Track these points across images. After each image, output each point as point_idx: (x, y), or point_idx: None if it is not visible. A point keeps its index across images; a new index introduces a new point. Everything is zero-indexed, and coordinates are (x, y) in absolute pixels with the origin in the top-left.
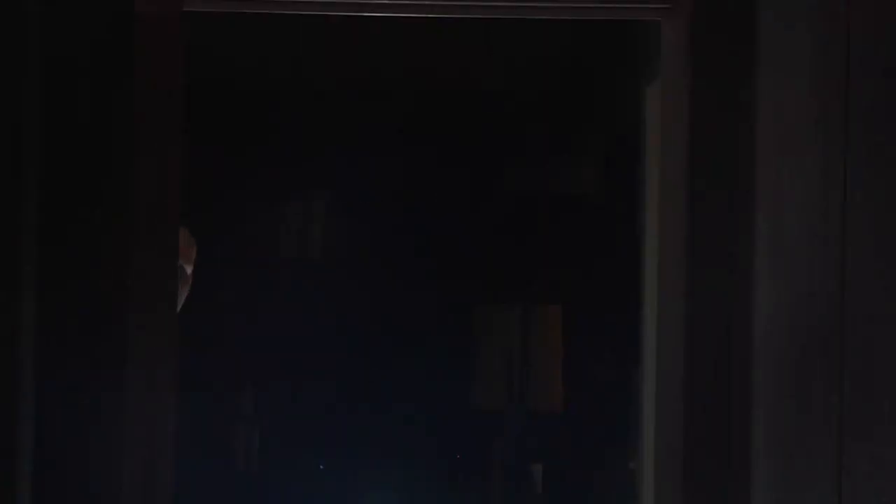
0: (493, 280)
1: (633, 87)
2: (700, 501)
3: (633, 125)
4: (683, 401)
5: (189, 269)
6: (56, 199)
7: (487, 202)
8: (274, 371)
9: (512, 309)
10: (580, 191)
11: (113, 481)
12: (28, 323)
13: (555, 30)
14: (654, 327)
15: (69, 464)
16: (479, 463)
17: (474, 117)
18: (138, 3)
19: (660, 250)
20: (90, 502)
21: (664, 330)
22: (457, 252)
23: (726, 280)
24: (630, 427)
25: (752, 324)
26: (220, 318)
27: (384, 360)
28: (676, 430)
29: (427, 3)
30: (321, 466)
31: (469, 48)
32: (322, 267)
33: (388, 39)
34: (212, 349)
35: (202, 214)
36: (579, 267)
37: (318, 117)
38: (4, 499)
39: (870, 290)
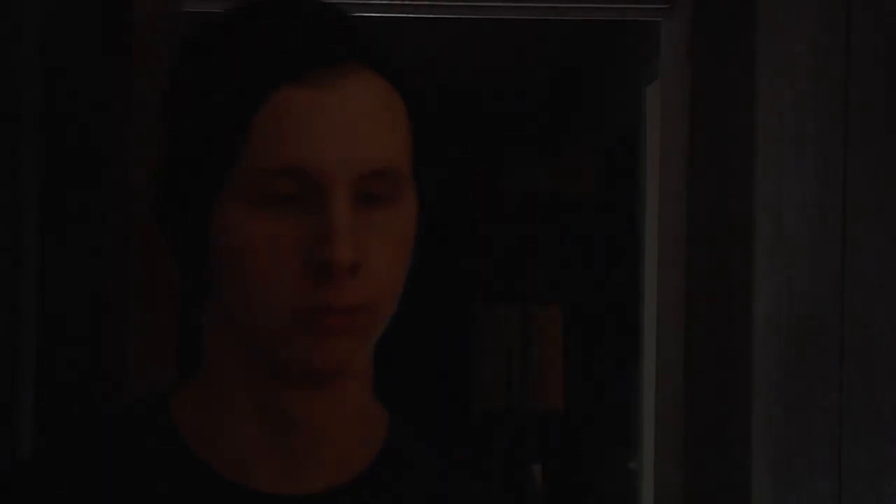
0: (494, 280)
1: (633, 87)
2: (700, 502)
3: (633, 125)
4: (683, 400)
5: None
6: (56, 198)
7: (487, 202)
8: None
9: (512, 309)
10: (580, 191)
11: None
12: (28, 321)
13: (555, 30)
14: (654, 327)
15: None
16: (479, 463)
17: (474, 117)
18: (138, 3)
19: (660, 250)
20: None
21: (664, 330)
22: (457, 252)
23: (726, 280)
24: (630, 427)
25: (752, 324)
26: None
27: (384, 360)
28: (677, 430)
29: (427, 3)
30: None
31: (469, 48)
32: None
33: (388, 39)
34: None
35: None
36: (579, 267)
37: None
38: None
39: (870, 290)
